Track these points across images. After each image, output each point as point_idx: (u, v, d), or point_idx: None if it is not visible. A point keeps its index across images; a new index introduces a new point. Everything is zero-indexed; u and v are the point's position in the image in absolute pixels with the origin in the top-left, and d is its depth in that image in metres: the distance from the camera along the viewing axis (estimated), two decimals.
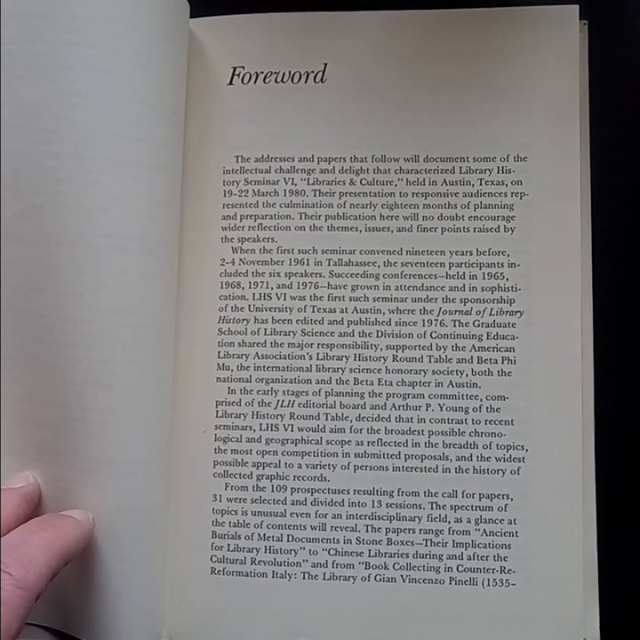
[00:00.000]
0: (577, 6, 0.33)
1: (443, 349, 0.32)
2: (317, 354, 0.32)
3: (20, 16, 0.29)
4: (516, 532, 0.31)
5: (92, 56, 0.29)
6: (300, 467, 0.31)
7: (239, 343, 0.32)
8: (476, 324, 0.32)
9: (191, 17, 0.33)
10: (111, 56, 0.29)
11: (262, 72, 0.33)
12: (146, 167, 0.30)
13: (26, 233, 0.29)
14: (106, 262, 0.29)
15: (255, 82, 0.33)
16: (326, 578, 0.31)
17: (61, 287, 0.29)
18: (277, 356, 0.32)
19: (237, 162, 0.33)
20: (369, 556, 0.31)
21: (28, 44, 0.29)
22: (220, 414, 0.32)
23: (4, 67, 0.29)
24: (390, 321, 0.32)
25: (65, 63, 0.29)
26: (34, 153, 0.29)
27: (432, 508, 0.31)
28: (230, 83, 0.33)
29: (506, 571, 0.31)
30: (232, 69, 0.33)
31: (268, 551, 0.31)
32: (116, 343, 0.29)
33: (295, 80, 0.33)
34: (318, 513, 0.31)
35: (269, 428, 0.32)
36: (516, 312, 0.32)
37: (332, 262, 0.32)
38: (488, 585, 0.31)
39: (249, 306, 0.32)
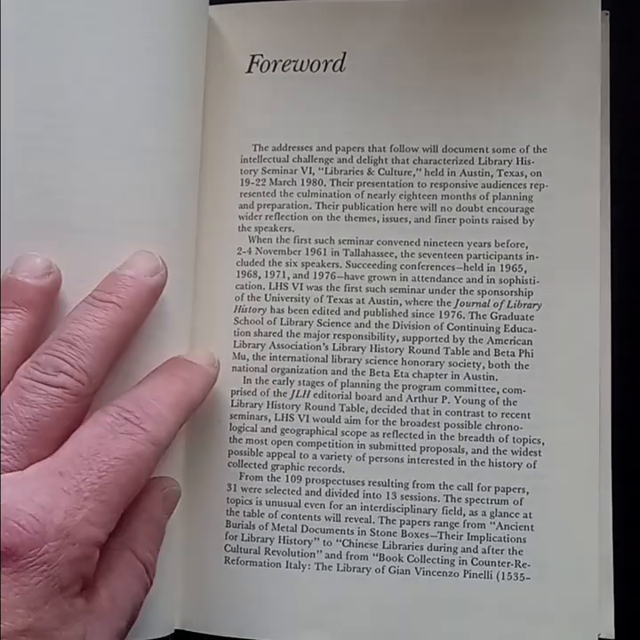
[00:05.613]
0: None
1: (459, 341, 0.31)
2: (333, 344, 0.32)
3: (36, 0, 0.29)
4: (532, 526, 0.31)
5: (109, 41, 0.29)
6: (314, 457, 0.31)
7: (255, 333, 0.32)
8: (494, 316, 0.32)
9: (211, 4, 0.32)
10: (128, 41, 0.29)
11: (281, 60, 0.33)
12: (163, 153, 0.30)
13: (35, 218, 0.29)
14: (122, 249, 0.29)
15: (274, 70, 0.33)
16: (340, 569, 0.31)
17: (75, 274, 0.29)
18: (293, 346, 0.32)
19: (255, 150, 0.33)
20: (383, 547, 0.31)
21: (43, 28, 0.29)
22: (235, 404, 0.32)
23: (18, 50, 0.29)
24: (407, 312, 0.32)
25: (81, 47, 0.29)
26: (48, 137, 0.29)
27: (447, 501, 0.31)
28: (249, 71, 0.33)
29: (521, 564, 0.31)
30: (251, 57, 0.33)
31: (281, 541, 0.31)
32: None
33: (314, 68, 0.33)
34: (333, 504, 0.31)
35: (285, 418, 0.32)
36: (534, 304, 0.31)
37: (349, 252, 0.32)
38: (502, 578, 0.31)
39: (265, 295, 0.32)
